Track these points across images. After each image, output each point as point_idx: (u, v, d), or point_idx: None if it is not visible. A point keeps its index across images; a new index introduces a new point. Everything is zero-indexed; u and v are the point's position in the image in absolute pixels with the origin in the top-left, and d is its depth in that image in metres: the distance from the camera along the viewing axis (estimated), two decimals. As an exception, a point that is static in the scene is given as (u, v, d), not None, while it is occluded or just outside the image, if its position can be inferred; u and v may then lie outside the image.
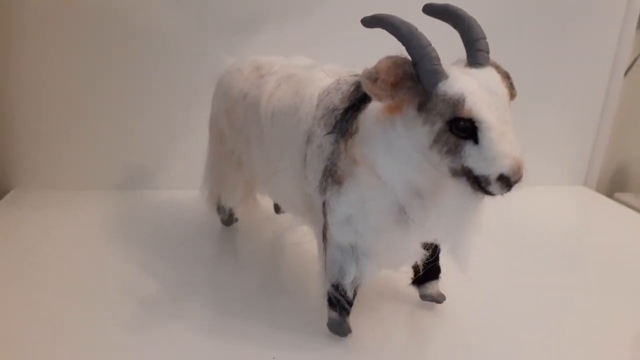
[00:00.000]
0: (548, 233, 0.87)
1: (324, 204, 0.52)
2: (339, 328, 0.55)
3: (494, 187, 0.42)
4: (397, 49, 0.43)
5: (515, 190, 0.42)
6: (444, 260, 0.58)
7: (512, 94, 0.46)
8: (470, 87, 0.41)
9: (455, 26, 0.46)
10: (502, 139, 0.41)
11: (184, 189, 0.93)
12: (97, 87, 0.90)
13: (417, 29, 0.43)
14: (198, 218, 0.83)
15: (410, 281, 0.61)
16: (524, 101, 0.50)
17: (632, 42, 1.05)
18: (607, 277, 0.74)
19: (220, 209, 0.79)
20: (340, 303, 0.54)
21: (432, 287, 0.61)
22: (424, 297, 0.61)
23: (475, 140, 0.41)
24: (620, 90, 1.08)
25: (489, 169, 0.41)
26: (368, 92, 0.42)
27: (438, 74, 0.42)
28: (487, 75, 0.43)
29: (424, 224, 0.48)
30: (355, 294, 0.54)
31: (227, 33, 0.90)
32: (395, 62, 0.42)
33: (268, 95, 0.60)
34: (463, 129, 0.41)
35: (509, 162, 0.41)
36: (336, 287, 0.53)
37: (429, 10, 0.49)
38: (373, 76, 0.41)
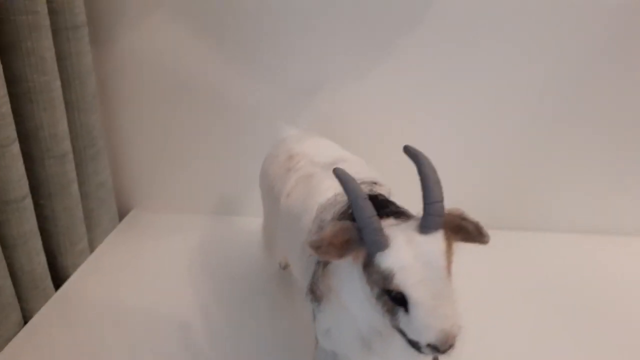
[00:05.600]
0: None
1: (313, 310, 0.59)
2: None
3: (424, 350, 0.45)
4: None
5: (450, 353, 0.45)
6: None
7: (482, 241, 0.47)
8: (403, 262, 0.44)
9: (419, 176, 0.48)
10: (431, 314, 0.44)
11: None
12: (201, 128, 1.04)
13: (365, 198, 0.46)
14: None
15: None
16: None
17: None
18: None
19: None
20: (326, 391, 0.61)
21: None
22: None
23: (407, 310, 0.45)
24: None
25: (418, 337, 0.44)
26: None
27: (377, 245, 0.45)
28: (429, 246, 0.45)
29: (386, 356, 0.52)
30: (340, 387, 0.60)
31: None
32: (342, 229, 0.47)
33: (287, 193, 0.67)
34: (394, 298, 0.45)
35: (436, 335, 0.43)
36: (322, 379, 0.60)
37: (406, 151, 0.51)
38: (316, 244, 0.46)
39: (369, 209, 0.46)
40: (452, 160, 0.99)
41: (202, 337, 0.78)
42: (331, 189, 0.61)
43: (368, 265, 0.46)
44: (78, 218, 0.91)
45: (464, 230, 0.48)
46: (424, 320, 0.44)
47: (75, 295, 0.89)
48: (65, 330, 0.83)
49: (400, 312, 0.45)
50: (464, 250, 0.48)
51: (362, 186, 0.59)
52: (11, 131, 0.72)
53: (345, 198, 0.57)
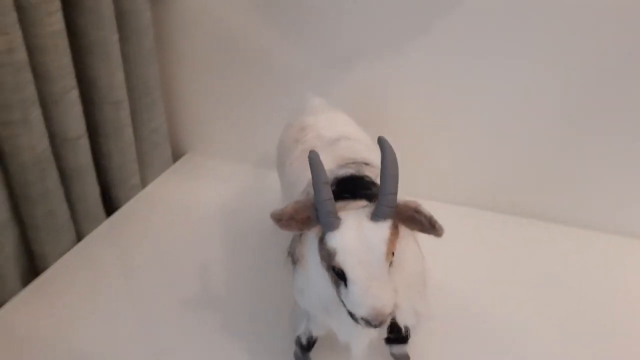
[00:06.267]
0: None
1: (291, 270, 0.66)
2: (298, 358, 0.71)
3: (360, 322, 0.51)
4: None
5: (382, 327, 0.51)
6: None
7: (436, 234, 0.52)
8: (346, 243, 0.50)
9: (381, 167, 0.52)
10: (364, 292, 0.49)
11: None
12: (251, 86, 1.11)
13: (325, 183, 0.52)
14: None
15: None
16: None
17: None
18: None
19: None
20: (299, 343, 0.69)
21: (397, 349, 0.71)
22: (391, 354, 0.72)
23: (346, 285, 0.51)
24: None
25: (353, 310, 0.50)
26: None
27: (328, 225, 0.51)
28: (373, 232, 0.50)
29: (340, 321, 0.58)
30: (310, 340, 0.68)
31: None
32: (302, 206, 0.53)
33: (290, 162, 0.73)
34: (337, 274, 0.51)
35: (367, 311, 0.49)
36: (296, 333, 0.68)
37: (378, 141, 0.55)
38: (277, 217, 0.53)
39: (326, 192, 0.51)
40: (482, 144, 1.01)
41: (226, 278, 0.87)
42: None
43: (321, 241, 0.52)
44: (131, 158, 1.03)
45: (418, 221, 0.53)
46: (358, 297, 0.49)
47: (124, 223, 1.02)
48: (112, 250, 0.97)
49: (342, 286, 0.51)
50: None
51: (353, 166, 0.65)
52: (70, 80, 0.83)
53: (330, 177, 0.63)
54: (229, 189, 1.12)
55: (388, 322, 0.51)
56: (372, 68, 1.01)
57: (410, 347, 0.71)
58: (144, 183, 1.11)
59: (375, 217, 0.51)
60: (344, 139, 0.72)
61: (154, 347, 0.76)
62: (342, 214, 0.52)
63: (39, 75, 0.78)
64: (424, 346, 0.73)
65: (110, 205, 1.04)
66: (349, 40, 1.00)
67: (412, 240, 0.60)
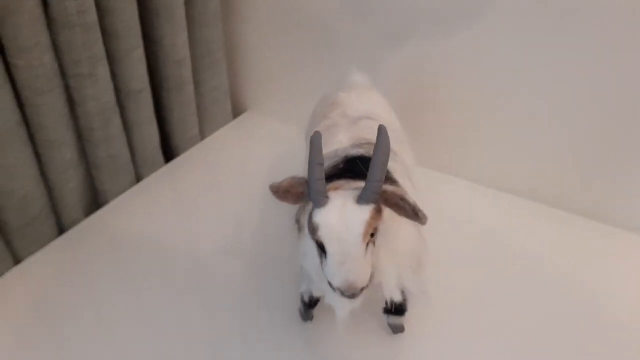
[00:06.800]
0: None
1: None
2: (302, 315, 0.78)
3: (336, 291, 0.56)
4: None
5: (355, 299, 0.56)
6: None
7: (419, 222, 0.56)
8: (328, 220, 0.55)
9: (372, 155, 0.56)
10: (338, 265, 0.54)
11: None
12: (313, 55, 1.15)
13: (318, 164, 0.56)
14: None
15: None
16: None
17: None
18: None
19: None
20: (302, 300, 0.76)
21: (394, 319, 0.76)
22: (388, 324, 0.77)
23: (326, 257, 0.56)
24: None
25: (330, 280, 0.56)
26: None
27: (316, 203, 0.56)
28: (355, 213, 0.55)
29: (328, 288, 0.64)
30: (312, 299, 0.74)
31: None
32: (297, 183, 0.58)
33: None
34: (320, 247, 0.56)
35: (340, 283, 0.55)
36: (299, 291, 0.75)
37: (378, 129, 0.58)
38: (274, 189, 0.59)
39: (319, 173, 0.56)
40: (529, 134, 1.00)
41: (261, 233, 0.95)
42: (338, 144, 0.70)
43: (310, 216, 0.58)
44: (191, 112, 1.12)
45: (403, 208, 0.57)
46: (333, 269, 0.55)
47: (181, 170, 1.13)
48: (168, 193, 1.08)
49: (323, 258, 0.57)
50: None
51: (366, 147, 0.69)
52: (136, 39, 0.92)
53: (341, 155, 0.67)
54: (282, 150, 1.19)
55: (361, 295, 0.56)
56: (425, 46, 1.01)
57: (408, 320, 0.76)
58: (202, 136, 1.20)
59: (360, 200, 0.55)
60: (367, 119, 0.75)
61: (200, 275, 0.87)
62: (331, 194, 0.57)
63: (108, 34, 0.88)
64: (422, 322, 0.77)
65: (169, 154, 1.15)
66: (405, 17, 1.01)
67: (407, 223, 0.64)
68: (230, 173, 1.13)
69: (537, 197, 1.02)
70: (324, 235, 0.55)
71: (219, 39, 1.12)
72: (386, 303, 0.71)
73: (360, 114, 0.77)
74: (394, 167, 0.68)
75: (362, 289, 0.56)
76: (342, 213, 0.55)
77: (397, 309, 0.73)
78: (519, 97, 0.97)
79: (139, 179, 1.07)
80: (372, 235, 0.56)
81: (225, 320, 0.80)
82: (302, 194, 0.58)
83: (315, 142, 0.58)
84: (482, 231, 0.96)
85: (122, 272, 0.88)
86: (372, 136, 0.71)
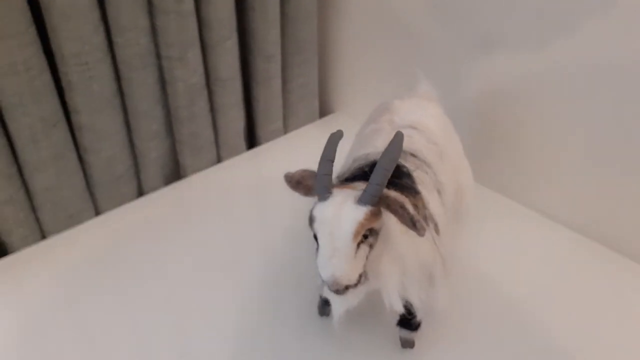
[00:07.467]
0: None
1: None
2: (319, 310, 0.80)
3: (324, 283, 0.58)
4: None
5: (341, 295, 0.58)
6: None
7: (417, 233, 0.56)
8: (323, 215, 0.57)
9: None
10: (327, 261, 0.56)
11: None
12: (401, 58, 1.17)
13: (328, 160, 0.59)
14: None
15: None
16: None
17: None
18: None
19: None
20: (320, 296, 0.78)
21: (405, 333, 0.75)
22: (400, 337, 0.76)
23: (317, 249, 0.58)
24: None
25: (320, 272, 0.58)
26: None
27: (320, 195, 0.58)
28: (350, 212, 0.56)
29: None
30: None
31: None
32: (307, 175, 0.61)
33: (359, 133, 0.80)
34: (314, 237, 0.59)
35: (326, 276, 0.56)
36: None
37: (395, 135, 0.59)
38: (287, 179, 0.62)
39: (326, 169, 0.58)
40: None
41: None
42: (373, 148, 0.72)
43: (312, 207, 0.60)
44: (277, 105, 1.19)
45: (402, 216, 0.57)
46: (321, 262, 0.57)
47: (261, 158, 1.21)
48: (246, 176, 1.15)
49: (315, 250, 0.59)
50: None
51: (402, 154, 0.69)
52: (228, 30, 1.01)
53: (371, 158, 0.69)
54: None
55: (346, 292, 0.57)
56: (514, 59, 0.97)
57: (419, 337, 0.75)
58: (286, 129, 1.27)
59: (359, 201, 0.57)
60: (410, 128, 0.75)
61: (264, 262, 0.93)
62: (335, 190, 0.59)
63: (202, 23, 0.97)
64: (434, 342, 0.76)
65: (252, 141, 1.23)
66: (493, 25, 0.97)
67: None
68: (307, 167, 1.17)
69: (599, 237, 0.94)
70: (317, 227, 0.57)
71: (311, 37, 1.17)
72: (400, 315, 0.72)
73: (405, 123, 0.77)
74: (421, 177, 0.68)
75: (348, 287, 0.57)
76: (338, 210, 0.57)
77: (407, 323, 0.72)
78: (614, 140, 0.89)
79: (219, 159, 1.16)
80: (366, 237, 0.57)
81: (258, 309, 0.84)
82: (312, 187, 0.61)
83: (331, 140, 0.60)
84: (534, 260, 0.91)
85: (189, 240, 0.96)
86: (408, 145, 0.72)
